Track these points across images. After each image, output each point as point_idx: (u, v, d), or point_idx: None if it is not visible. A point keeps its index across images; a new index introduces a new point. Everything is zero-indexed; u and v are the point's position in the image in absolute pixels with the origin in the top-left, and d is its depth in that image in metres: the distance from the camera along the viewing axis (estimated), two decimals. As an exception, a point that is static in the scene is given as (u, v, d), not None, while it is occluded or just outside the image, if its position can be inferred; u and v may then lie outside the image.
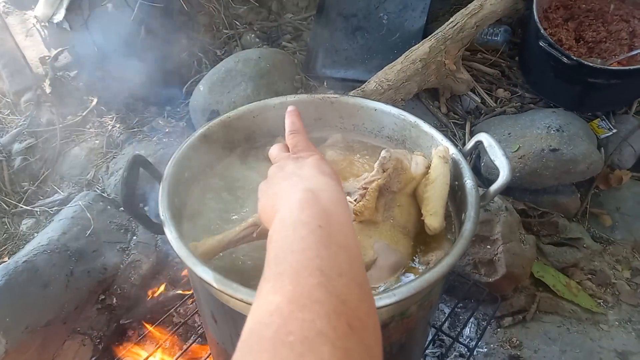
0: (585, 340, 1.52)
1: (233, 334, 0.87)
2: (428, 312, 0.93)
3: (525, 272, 1.55)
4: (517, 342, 1.53)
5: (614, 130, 1.93)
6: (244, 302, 0.73)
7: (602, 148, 1.90)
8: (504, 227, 1.52)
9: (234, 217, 0.97)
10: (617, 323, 1.58)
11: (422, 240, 0.94)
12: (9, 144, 2.03)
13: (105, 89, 2.23)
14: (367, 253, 0.87)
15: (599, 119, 1.97)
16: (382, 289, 0.84)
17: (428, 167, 0.97)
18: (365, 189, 0.90)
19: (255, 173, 1.08)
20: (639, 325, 1.58)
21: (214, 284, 0.74)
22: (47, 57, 2.16)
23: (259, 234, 0.87)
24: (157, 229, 0.87)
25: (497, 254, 1.50)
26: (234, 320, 0.83)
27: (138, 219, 0.86)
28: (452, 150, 0.99)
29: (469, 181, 0.93)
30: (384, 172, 0.92)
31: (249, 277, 0.85)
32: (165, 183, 0.91)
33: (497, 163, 0.94)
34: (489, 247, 1.53)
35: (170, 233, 0.82)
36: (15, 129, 2.07)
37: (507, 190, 1.77)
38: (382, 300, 0.73)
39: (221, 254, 0.87)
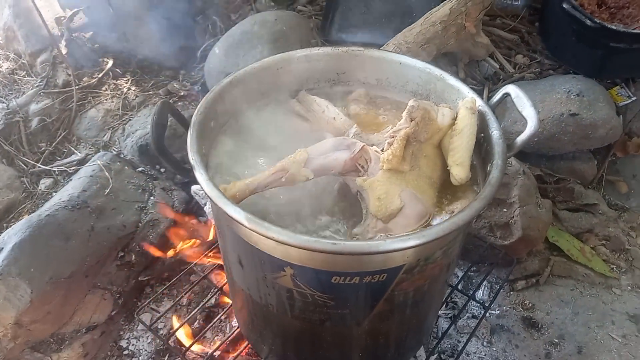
0: (598, 303, 1.54)
1: (259, 278, 0.89)
2: (450, 260, 0.94)
3: (541, 235, 1.56)
4: (530, 304, 1.54)
5: (633, 98, 1.91)
6: (275, 240, 0.74)
7: (621, 116, 1.88)
8: (521, 190, 1.52)
9: (259, 163, 0.98)
10: (629, 287, 1.59)
11: (447, 190, 0.95)
12: (26, 104, 2.04)
13: (120, 50, 2.22)
14: (394, 201, 0.88)
15: (618, 86, 1.95)
16: (408, 234, 0.84)
17: (454, 119, 0.97)
18: (392, 137, 0.90)
19: (277, 124, 1.09)
20: (652, 290, 1.59)
21: (246, 223, 0.75)
22: (62, 18, 2.15)
23: (287, 179, 0.88)
24: (186, 173, 0.88)
25: (513, 217, 1.51)
26: (262, 263, 0.85)
27: (169, 161, 0.87)
28: (479, 102, 0.98)
29: (495, 131, 0.93)
30: (411, 121, 0.92)
31: (274, 221, 0.86)
32: (194, 129, 0.91)
33: (524, 114, 0.94)
34: (505, 210, 1.53)
35: (200, 175, 0.82)
36: (32, 89, 2.07)
37: (524, 156, 1.77)
38: (411, 241, 0.74)
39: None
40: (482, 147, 0.97)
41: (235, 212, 0.76)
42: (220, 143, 1.03)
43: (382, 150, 0.92)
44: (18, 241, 1.32)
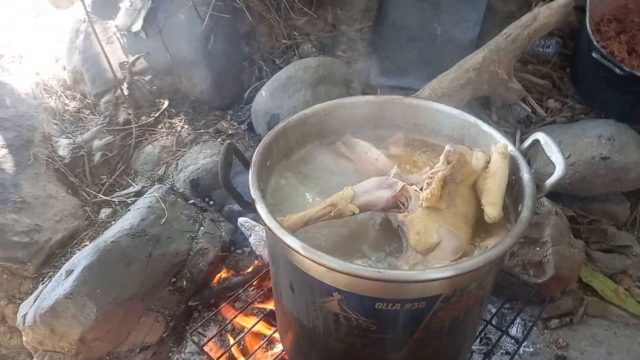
0: (632, 344, 1.55)
1: (309, 302, 0.98)
2: (485, 293, 1.02)
3: (574, 274, 1.60)
4: (564, 343, 1.57)
5: (666, 142, 1.95)
6: (326, 267, 0.84)
7: (654, 159, 1.92)
8: (553, 230, 1.58)
9: (308, 200, 1.10)
10: (665, 329, 1.60)
11: (481, 229, 1.03)
12: (90, 140, 2.24)
13: (175, 92, 2.43)
14: (432, 236, 0.97)
15: (650, 130, 1.99)
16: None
17: (487, 162, 1.07)
18: (431, 178, 1.00)
19: (324, 164, 1.21)
20: (687, 332, 1.59)
21: (301, 251, 0.86)
22: (125, 63, 2.37)
23: (336, 213, 0.99)
24: (247, 206, 1.00)
25: (546, 255, 1.56)
26: (312, 289, 0.95)
27: (234, 195, 0.99)
28: (511, 147, 1.08)
29: (526, 175, 1.02)
30: (448, 163, 1.02)
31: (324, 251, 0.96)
32: (254, 167, 1.04)
33: (553, 159, 1.02)
34: (538, 249, 1.59)
35: (261, 208, 0.94)
36: (95, 127, 2.28)
37: (556, 197, 1.82)
38: (448, 272, 0.83)
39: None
40: (513, 188, 1.06)
41: (292, 241, 0.87)
42: (274, 179, 1.16)
43: (421, 189, 1.02)
44: (87, 264, 1.47)
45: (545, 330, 1.61)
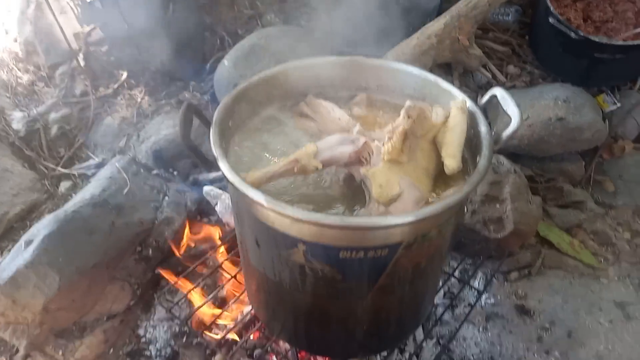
0: (586, 291, 1.64)
1: (274, 256, 1.00)
2: (445, 241, 1.05)
3: (532, 229, 1.67)
4: (523, 293, 1.65)
5: (618, 105, 2.04)
6: (290, 218, 0.85)
7: (607, 121, 2.00)
8: (512, 187, 1.64)
9: (271, 159, 1.10)
10: (616, 278, 1.70)
11: (441, 181, 1.06)
12: (46, 113, 2.17)
13: (134, 63, 2.36)
14: (394, 187, 0.99)
15: (604, 94, 2.07)
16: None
17: (447, 117, 1.09)
18: (392, 132, 1.02)
19: (285, 126, 1.21)
20: (637, 280, 1.69)
21: (265, 203, 0.86)
22: (80, 34, 2.28)
23: (299, 169, 0.99)
24: (209, 164, 0.99)
25: (505, 212, 1.62)
26: (277, 242, 0.96)
27: (196, 153, 0.98)
28: (469, 103, 1.10)
29: (483, 127, 1.05)
30: (409, 118, 1.03)
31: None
32: (215, 126, 1.03)
33: (509, 112, 1.05)
34: (497, 206, 1.64)
35: (224, 165, 0.94)
36: (51, 99, 2.20)
37: (515, 158, 1.88)
38: (408, 217, 0.86)
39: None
40: (472, 142, 1.08)
41: (256, 195, 0.87)
42: (236, 140, 1.15)
43: (382, 144, 1.03)
44: (47, 233, 1.44)
45: (506, 283, 1.68)
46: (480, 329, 1.56)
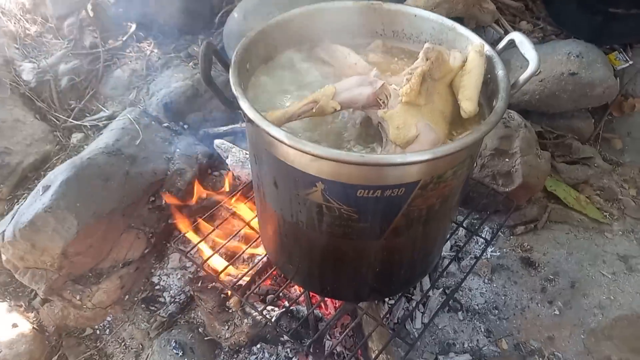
0: (590, 245, 1.68)
1: (293, 197, 1.02)
2: (459, 184, 1.07)
3: (540, 183, 1.69)
4: (528, 246, 1.68)
5: (630, 62, 2.02)
6: (311, 154, 0.87)
7: (618, 78, 2.00)
8: (522, 142, 1.65)
9: (289, 101, 1.11)
10: (620, 232, 1.73)
11: (457, 124, 1.07)
12: (55, 64, 2.16)
13: (142, 15, 2.33)
14: (411, 130, 1.00)
15: (616, 51, 2.05)
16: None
17: (464, 62, 1.09)
18: (410, 74, 1.02)
19: (303, 70, 1.21)
20: (640, 235, 1.73)
21: (286, 140, 0.87)
22: (88, -17, 2.25)
23: (317, 110, 1.00)
24: (229, 104, 1.00)
25: (514, 165, 1.64)
26: (296, 182, 0.98)
27: (216, 92, 0.98)
28: (487, 47, 1.10)
29: (500, 71, 1.05)
30: (427, 60, 1.04)
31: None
32: (234, 66, 1.03)
33: (527, 56, 1.05)
34: (507, 160, 1.66)
35: (244, 103, 0.94)
36: (60, 51, 2.19)
37: (526, 114, 1.89)
38: (426, 155, 0.87)
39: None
40: (488, 87, 1.09)
41: (277, 132, 0.88)
42: (254, 83, 1.16)
43: (400, 87, 1.04)
44: (65, 179, 1.46)
45: (512, 237, 1.71)
46: (486, 280, 1.61)
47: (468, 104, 1.03)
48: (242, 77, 1.07)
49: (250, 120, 0.93)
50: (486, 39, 2.17)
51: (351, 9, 1.27)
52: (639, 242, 1.70)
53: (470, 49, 1.09)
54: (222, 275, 1.40)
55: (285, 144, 0.88)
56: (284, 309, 1.40)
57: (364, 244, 1.08)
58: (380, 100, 1.05)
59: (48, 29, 2.29)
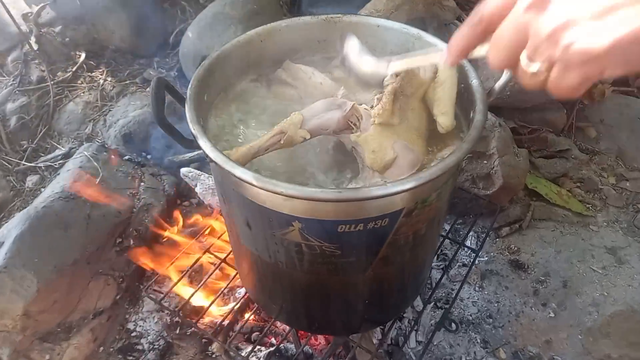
0: (577, 240, 1.64)
1: (268, 236, 0.94)
2: (444, 204, 1.01)
3: (520, 182, 1.65)
4: (516, 248, 1.64)
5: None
6: (283, 195, 0.79)
7: (585, 66, 1.98)
8: (498, 141, 1.60)
9: (254, 133, 1.03)
10: (605, 224, 1.71)
11: (435, 140, 1.01)
12: (2, 104, 2.02)
13: (91, 43, 2.21)
14: (388, 152, 0.93)
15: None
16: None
17: (435, 73, 1.03)
18: (381, 93, 0.95)
19: (265, 96, 1.13)
20: (625, 224, 1.71)
21: (255, 182, 0.79)
22: (29, 14, 2.11)
23: (286, 140, 0.92)
24: (188, 143, 0.91)
25: (493, 167, 1.59)
26: (270, 222, 0.90)
27: (172, 133, 0.90)
28: (457, 55, 1.04)
29: (475, 80, 0.99)
30: (397, 76, 0.97)
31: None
32: (190, 102, 0.94)
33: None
34: (485, 162, 1.61)
35: (205, 143, 0.86)
36: (6, 88, 2.05)
37: (498, 111, 1.85)
38: (409, 183, 0.80)
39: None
40: (463, 97, 1.03)
41: (243, 173, 0.80)
42: (213, 115, 1.07)
43: (371, 107, 0.97)
44: (19, 233, 1.34)
45: (498, 239, 1.67)
46: (476, 288, 1.56)
47: (444, 119, 0.97)
48: (200, 111, 0.99)
49: (212, 161, 0.85)
50: (450, 36, 2.14)
51: (310, 24, 1.19)
52: (625, 232, 1.68)
53: (439, 58, 1.03)
54: (201, 319, 1.31)
55: (254, 185, 0.80)
56: (271, 348, 1.32)
57: (349, 278, 1.00)
58: (352, 122, 0.97)
59: (-10, 66, 2.15)
